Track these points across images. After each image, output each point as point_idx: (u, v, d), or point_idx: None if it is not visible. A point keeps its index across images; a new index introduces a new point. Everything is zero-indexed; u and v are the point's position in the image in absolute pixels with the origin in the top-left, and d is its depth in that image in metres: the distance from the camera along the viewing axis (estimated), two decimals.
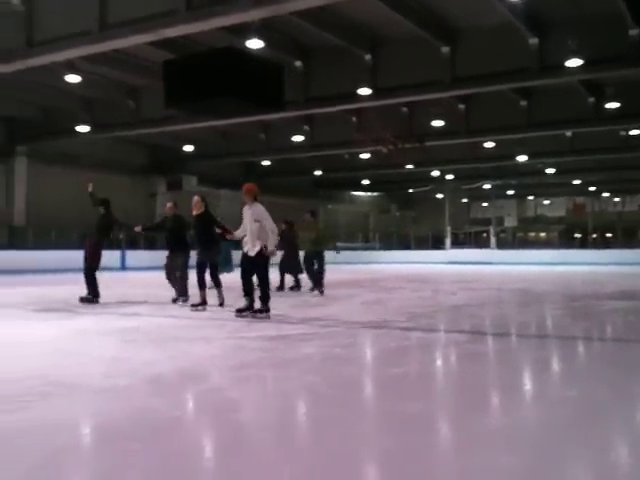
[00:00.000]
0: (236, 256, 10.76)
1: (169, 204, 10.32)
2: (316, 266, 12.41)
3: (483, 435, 3.48)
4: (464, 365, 5.68)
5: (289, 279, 12.99)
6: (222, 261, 11.40)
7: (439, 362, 6.02)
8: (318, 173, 31.17)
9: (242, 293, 8.43)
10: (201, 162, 27.30)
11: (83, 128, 20.47)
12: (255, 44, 12.38)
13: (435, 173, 32.96)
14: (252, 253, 8.21)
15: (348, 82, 15.59)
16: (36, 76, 16.02)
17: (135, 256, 23.41)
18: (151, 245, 25.13)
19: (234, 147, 25.74)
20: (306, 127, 22.36)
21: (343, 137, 21.99)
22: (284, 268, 12.78)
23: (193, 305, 9.17)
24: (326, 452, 3.20)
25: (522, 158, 26.24)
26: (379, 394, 4.60)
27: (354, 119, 21.04)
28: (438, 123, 20.21)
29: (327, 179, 34.65)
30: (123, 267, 22.68)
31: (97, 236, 10.24)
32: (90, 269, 9.99)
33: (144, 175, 27.71)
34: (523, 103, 19.26)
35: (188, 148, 25.76)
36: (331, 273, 19.25)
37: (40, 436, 3.43)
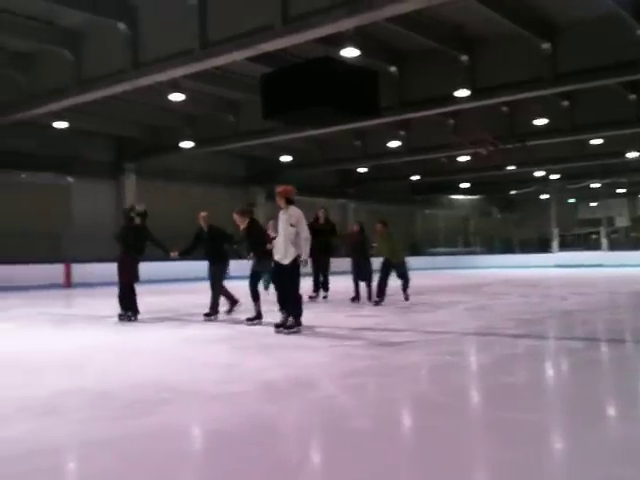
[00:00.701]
0: None
1: (203, 214, 9.81)
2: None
3: (599, 446, 3.31)
4: (578, 374, 5.42)
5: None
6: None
7: (552, 370, 5.77)
8: (415, 178, 30.85)
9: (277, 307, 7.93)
10: (298, 171, 27.68)
11: (186, 144, 21.27)
12: (350, 52, 12.42)
13: (539, 173, 31.79)
14: (286, 261, 7.62)
15: (444, 84, 15.34)
16: (142, 96, 16.81)
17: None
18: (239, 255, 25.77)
19: (330, 155, 25.94)
20: (402, 132, 22.18)
21: (440, 140, 21.65)
22: (358, 276, 11.89)
23: (248, 319, 8.67)
24: (438, 462, 3.13)
25: (632, 154, 24.85)
26: (490, 403, 4.45)
27: (451, 121, 20.66)
28: (541, 121, 19.49)
29: (424, 184, 34.22)
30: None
31: (134, 251, 9.40)
32: (129, 285, 9.29)
33: (243, 186, 28.42)
34: (632, 97, 18.24)
35: (285, 158, 26.20)
36: (430, 279, 18.99)
37: (163, 440, 3.56)
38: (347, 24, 10.52)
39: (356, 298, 11.72)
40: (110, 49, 13.30)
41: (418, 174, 30.19)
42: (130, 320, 9.14)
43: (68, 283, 19.19)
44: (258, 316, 8.68)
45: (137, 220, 9.55)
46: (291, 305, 7.67)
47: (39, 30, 13.30)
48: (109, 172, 23.61)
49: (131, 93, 14.92)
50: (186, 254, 9.86)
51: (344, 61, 12.30)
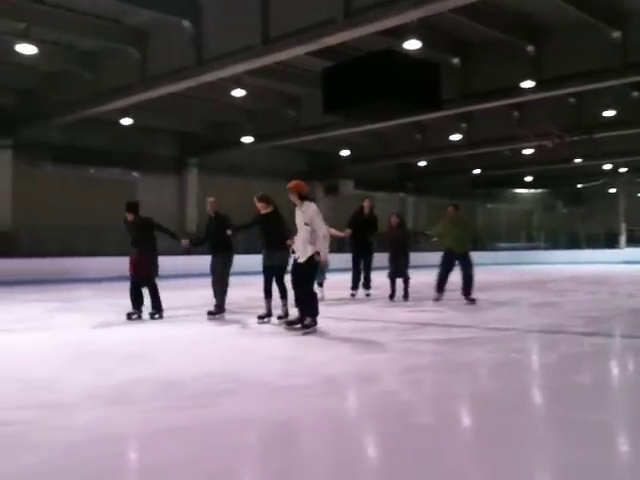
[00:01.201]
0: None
1: (210, 199, 9.09)
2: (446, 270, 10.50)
3: None
4: None
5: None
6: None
7: (620, 369, 5.58)
8: (476, 172, 30.30)
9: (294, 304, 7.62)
10: (357, 166, 27.60)
11: (247, 139, 21.51)
12: (412, 45, 12.27)
13: (607, 166, 30.73)
14: (302, 259, 7.27)
15: (509, 75, 14.98)
16: (205, 92, 17.08)
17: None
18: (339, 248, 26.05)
19: (390, 149, 25.76)
20: (464, 125, 21.80)
21: (503, 133, 21.17)
22: (395, 272, 10.96)
23: (259, 317, 8.18)
24: (502, 461, 3.07)
25: None
26: (556, 402, 4.32)
27: (516, 113, 20.17)
28: (609, 113, 18.80)
29: (486, 177, 33.56)
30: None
31: (149, 246, 8.78)
32: (150, 281, 8.71)
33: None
34: None
35: (344, 152, 26.18)
36: (493, 274, 18.61)
37: (229, 431, 3.62)
38: (412, 16, 10.39)
39: (392, 296, 10.92)
40: (174, 47, 13.56)
41: (480, 167, 29.64)
42: (153, 318, 8.57)
43: None
44: (269, 314, 8.19)
45: (128, 216, 8.75)
46: (306, 304, 7.31)
47: (107, 29, 13.68)
48: (172, 167, 24.15)
49: (194, 89, 15.18)
50: (198, 244, 9.37)
51: (406, 53, 12.17)
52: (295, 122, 20.09)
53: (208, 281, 9.03)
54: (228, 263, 8.76)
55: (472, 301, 10.13)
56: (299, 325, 7.34)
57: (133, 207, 8.82)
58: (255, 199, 8.35)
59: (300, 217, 7.37)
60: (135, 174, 22.65)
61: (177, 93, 15.49)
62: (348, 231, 11.32)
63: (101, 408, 4.08)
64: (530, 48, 14.55)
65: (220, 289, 8.72)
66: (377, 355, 5.90)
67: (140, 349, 6.41)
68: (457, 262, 10.29)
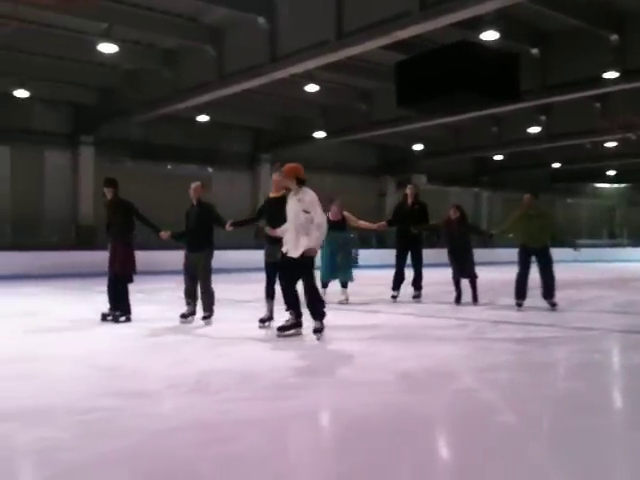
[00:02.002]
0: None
1: (195, 184, 7.86)
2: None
3: None
4: None
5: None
6: (341, 265, 9.93)
7: None
8: (556, 166, 29.34)
9: (284, 307, 6.73)
10: (430, 160, 27.22)
11: (319, 134, 21.59)
12: (489, 36, 11.97)
13: None
14: (296, 254, 6.35)
15: (591, 66, 14.38)
16: (278, 88, 17.23)
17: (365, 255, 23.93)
18: (382, 244, 25.75)
19: (464, 143, 25.26)
20: (542, 117, 21.12)
21: (585, 125, 20.37)
22: (460, 272, 9.79)
23: (260, 320, 7.29)
24: (585, 462, 2.95)
25: None
26: None
27: (598, 105, 19.37)
28: None
29: (565, 171, 32.42)
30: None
31: (124, 234, 7.78)
32: (123, 280, 7.73)
33: (373, 175, 28.39)
34: None
35: (417, 147, 25.87)
36: (573, 272, 17.98)
37: (305, 424, 3.64)
38: (489, 6, 10.12)
39: (459, 298, 9.79)
40: (249, 44, 13.73)
41: (559, 161, 28.68)
42: (117, 321, 7.58)
43: None
44: (270, 317, 7.33)
45: (107, 193, 7.86)
46: (314, 305, 6.43)
47: (184, 27, 13.99)
48: (246, 163, 24.53)
49: (267, 85, 15.32)
50: (181, 238, 8.03)
51: (483, 44, 11.89)
52: (367, 116, 19.99)
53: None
54: (210, 261, 7.67)
55: (553, 305, 8.89)
56: (293, 331, 6.55)
57: (111, 183, 7.83)
58: (275, 174, 7.25)
59: (295, 205, 6.41)
60: (210, 170, 23.13)
61: (251, 89, 15.68)
62: (382, 223, 10.58)
63: (181, 397, 4.18)
64: (614, 37, 13.92)
65: (208, 293, 7.62)
66: (453, 352, 5.79)
67: (215, 341, 6.53)
68: (534, 259, 8.94)
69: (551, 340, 6.48)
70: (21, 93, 16.22)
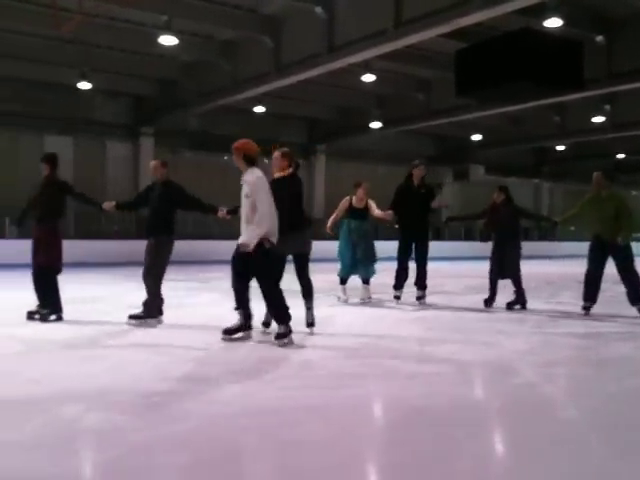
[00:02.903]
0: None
1: (154, 162, 6.96)
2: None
3: None
4: None
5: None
6: (355, 261, 8.73)
7: None
8: (620, 156, 28.39)
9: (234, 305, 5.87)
10: (488, 150, 26.73)
11: (375, 124, 21.45)
12: (553, 23, 11.63)
13: None
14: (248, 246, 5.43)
15: None
16: (334, 78, 17.20)
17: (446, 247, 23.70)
18: (469, 235, 25.77)
19: (524, 133, 24.68)
20: (607, 106, 20.44)
21: None
22: (502, 269, 8.13)
23: (264, 324, 6.07)
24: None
25: None
26: None
27: None
28: None
29: (631, 162, 31.27)
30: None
31: (50, 218, 6.63)
32: (49, 273, 6.57)
33: (430, 166, 28.08)
34: None
35: (476, 137, 25.43)
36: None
37: (363, 413, 3.63)
38: None
39: (491, 300, 8.22)
40: (307, 34, 13.73)
41: (624, 152, 27.73)
42: (46, 320, 6.50)
43: None
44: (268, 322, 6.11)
45: (43, 169, 6.72)
46: (275, 307, 5.63)
47: (243, 18, 14.10)
48: (301, 153, 24.55)
49: (323, 75, 15.30)
50: (125, 208, 7.36)
51: (545, 32, 11.57)
52: (425, 106, 19.75)
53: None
54: (167, 249, 6.58)
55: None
56: (240, 334, 5.73)
57: (49, 159, 6.73)
58: (275, 154, 6.17)
59: (243, 189, 5.56)
60: (266, 160, 23.28)
61: (307, 80, 15.70)
62: (389, 212, 8.49)
63: (240, 383, 4.24)
64: None
65: (148, 290, 6.49)
66: (511, 346, 5.68)
67: (271, 329, 6.57)
68: (610, 256, 7.39)
69: (615, 336, 6.28)
70: (84, 85, 16.70)
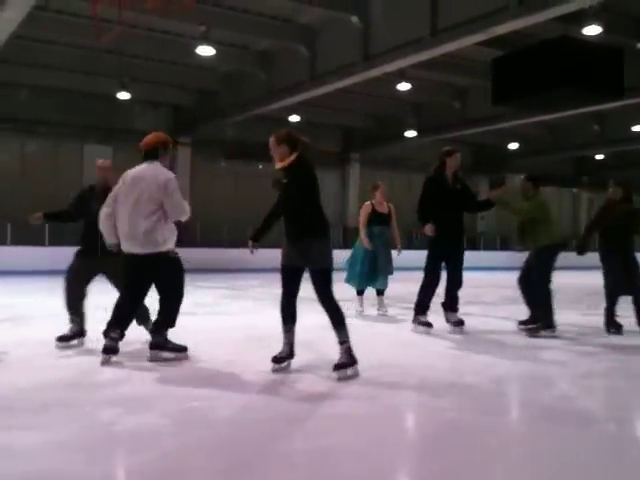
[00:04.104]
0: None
1: (100, 161, 6.07)
2: None
3: None
4: None
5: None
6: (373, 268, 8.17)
7: None
8: None
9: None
10: (526, 159, 26.41)
11: (411, 133, 21.38)
12: (592, 30, 11.48)
13: None
14: (139, 250, 4.96)
15: None
16: (369, 87, 17.22)
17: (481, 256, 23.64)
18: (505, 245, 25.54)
19: (563, 141, 24.33)
20: None
21: None
22: (623, 287, 6.87)
23: (274, 360, 4.76)
24: None
25: None
26: None
27: None
28: None
29: None
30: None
31: None
32: None
33: (467, 174, 27.88)
34: None
35: (513, 145, 25.15)
36: None
37: (397, 422, 3.61)
38: None
39: (614, 322, 6.93)
40: (342, 43, 13.80)
41: None
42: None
43: None
44: (290, 353, 4.87)
45: None
46: (163, 312, 5.10)
47: (280, 28, 14.26)
48: (335, 162, 24.63)
49: (358, 84, 15.35)
50: (56, 219, 6.22)
51: (584, 39, 11.41)
52: (460, 114, 19.65)
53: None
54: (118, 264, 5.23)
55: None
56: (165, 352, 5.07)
57: None
58: (270, 142, 4.77)
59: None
60: None
61: (342, 88, 15.77)
62: (431, 227, 6.69)
63: (273, 390, 4.26)
64: None
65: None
66: (549, 357, 5.58)
67: (303, 337, 6.56)
68: None
69: None
70: (123, 95, 17.01)
